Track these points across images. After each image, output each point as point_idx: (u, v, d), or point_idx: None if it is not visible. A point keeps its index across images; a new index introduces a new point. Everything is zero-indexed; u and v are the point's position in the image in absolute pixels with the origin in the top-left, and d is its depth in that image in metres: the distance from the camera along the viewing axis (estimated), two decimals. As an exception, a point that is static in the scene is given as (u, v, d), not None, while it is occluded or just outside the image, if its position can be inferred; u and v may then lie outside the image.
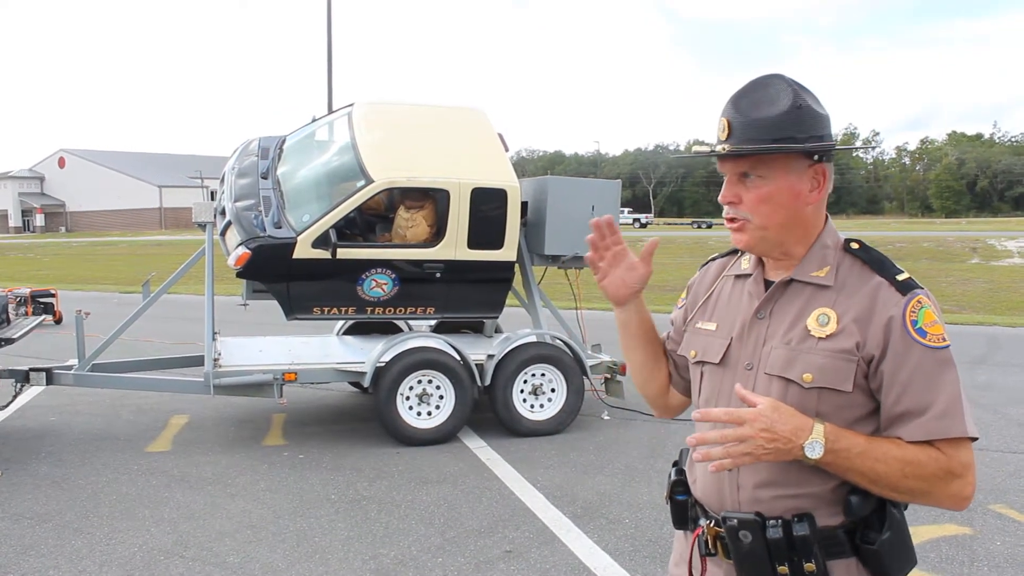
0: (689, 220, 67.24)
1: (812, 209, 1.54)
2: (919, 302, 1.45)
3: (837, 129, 1.56)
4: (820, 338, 1.48)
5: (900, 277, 1.49)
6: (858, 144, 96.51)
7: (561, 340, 6.53)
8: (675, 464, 1.75)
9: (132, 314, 6.54)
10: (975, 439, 1.43)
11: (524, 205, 6.71)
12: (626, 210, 61.06)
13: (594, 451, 5.90)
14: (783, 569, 1.45)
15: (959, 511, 1.56)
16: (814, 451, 1.39)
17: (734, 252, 1.74)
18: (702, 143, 2.12)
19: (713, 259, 1.79)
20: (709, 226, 58.44)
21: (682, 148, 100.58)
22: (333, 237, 5.84)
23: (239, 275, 6.01)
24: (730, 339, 1.60)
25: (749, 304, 1.61)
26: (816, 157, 1.52)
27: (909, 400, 1.43)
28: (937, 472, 1.41)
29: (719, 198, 1.58)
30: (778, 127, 1.48)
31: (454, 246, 6.15)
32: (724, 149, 1.51)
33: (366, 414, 6.89)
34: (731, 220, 1.56)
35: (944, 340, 1.45)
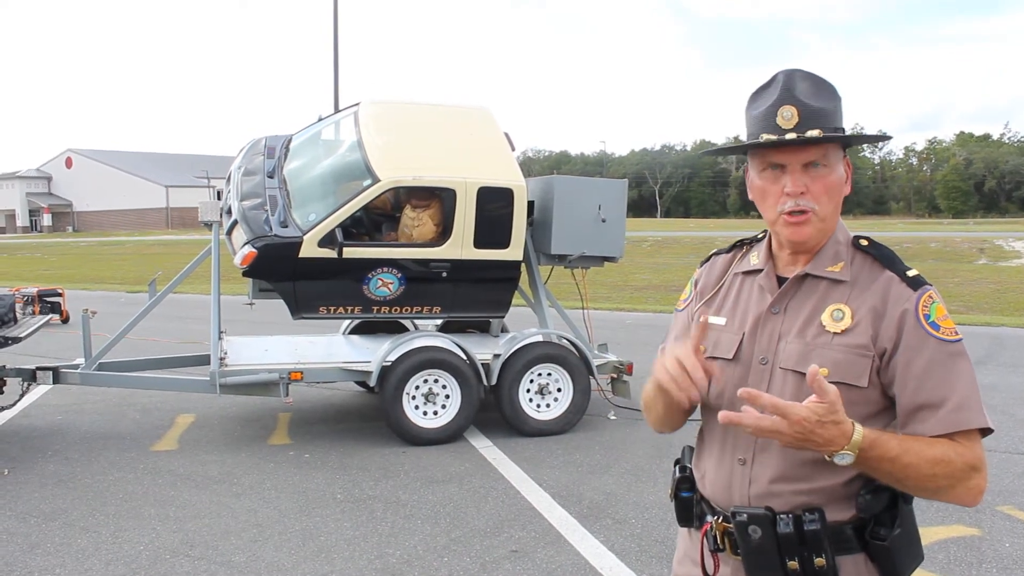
0: None
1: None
2: (930, 297, 1.48)
3: (844, 128, 1.57)
4: (835, 333, 1.49)
5: (910, 273, 1.51)
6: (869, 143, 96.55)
7: (567, 340, 6.52)
8: (677, 462, 1.74)
9: (138, 313, 6.55)
10: (991, 431, 1.44)
11: (530, 204, 6.70)
12: None
13: (600, 451, 5.88)
14: (793, 564, 1.44)
15: (972, 507, 1.55)
16: (843, 460, 1.38)
17: (737, 247, 1.73)
18: (710, 144, 2.08)
19: (715, 254, 1.77)
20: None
21: (688, 148, 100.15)
22: (339, 236, 5.84)
23: (245, 274, 6.02)
24: (742, 334, 1.59)
25: (761, 299, 1.60)
26: (845, 149, 1.55)
27: (926, 393, 1.43)
28: (963, 468, 1.41)
29: (787, 190, 1.49)
30: (836, 116, 1.51)
31: (460, 245, 6.14)
32: (800, 136, 1.46)
33: (372, 413, 6.88)
34: (794, 213, 1.50)
35: (957, 334, 1.47)
